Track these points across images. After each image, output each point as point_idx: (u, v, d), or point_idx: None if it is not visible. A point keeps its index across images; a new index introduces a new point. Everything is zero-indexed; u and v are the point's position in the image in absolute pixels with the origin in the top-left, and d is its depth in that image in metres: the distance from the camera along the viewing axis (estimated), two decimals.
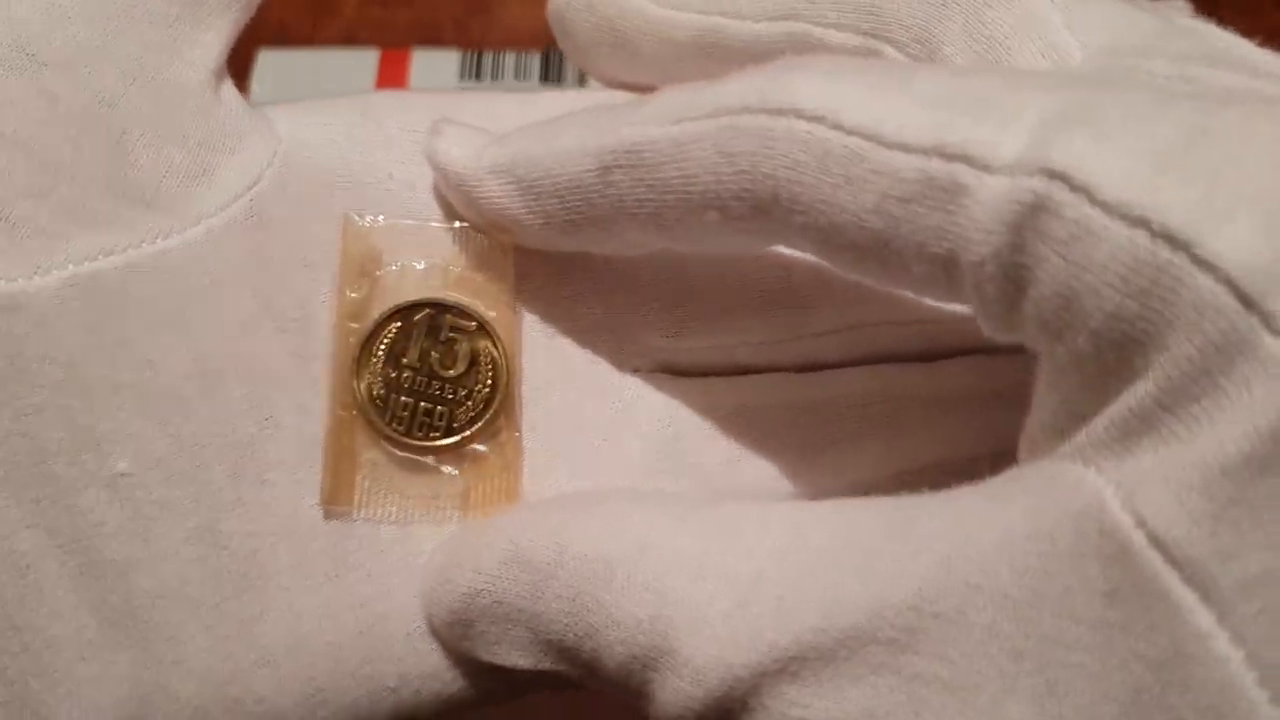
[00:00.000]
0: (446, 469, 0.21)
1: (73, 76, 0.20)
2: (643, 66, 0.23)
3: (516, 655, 0.20)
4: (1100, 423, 0.16)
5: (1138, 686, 0.15)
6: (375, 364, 0.21)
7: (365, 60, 0.47)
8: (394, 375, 0.21)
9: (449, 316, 0.21)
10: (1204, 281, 0.14)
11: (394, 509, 0.21)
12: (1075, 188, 0.15)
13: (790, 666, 0.17)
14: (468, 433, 0.21)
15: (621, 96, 0.23)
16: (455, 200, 0.22)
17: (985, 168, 0.16)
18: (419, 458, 0.21)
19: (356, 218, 0.21)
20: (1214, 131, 0.15)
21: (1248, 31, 0.20)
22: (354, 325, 0.21)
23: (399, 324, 0.21)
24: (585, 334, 0.22)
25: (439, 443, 0.21)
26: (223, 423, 0.20)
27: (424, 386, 0.21)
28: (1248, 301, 0.14)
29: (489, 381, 0.21)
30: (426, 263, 0.22)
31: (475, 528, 0.21)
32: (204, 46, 0.21)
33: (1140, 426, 0.15)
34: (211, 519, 0.20)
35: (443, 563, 0.21)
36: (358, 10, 0.51)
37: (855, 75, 0.17)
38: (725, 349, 0.23)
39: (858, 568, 0.17)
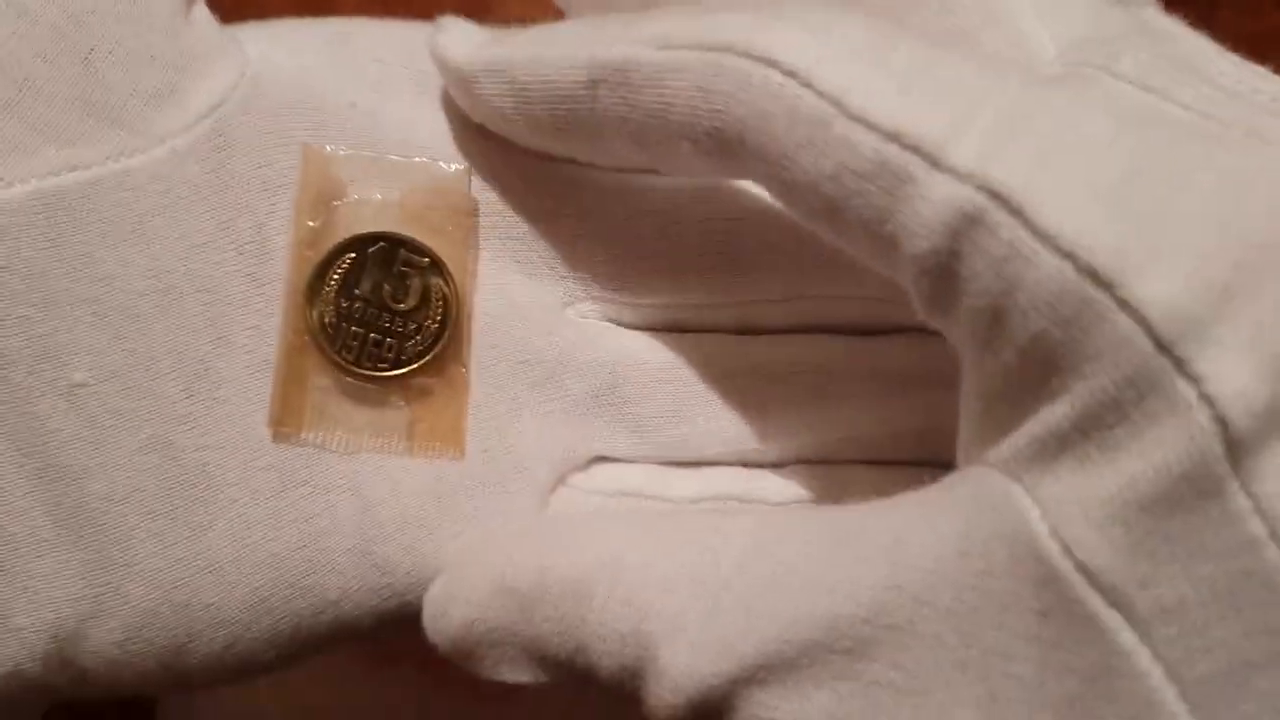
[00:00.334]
0: (394, 400, 0.22)
1: None
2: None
3: (520, 671, 0.21)
4: (1020, 438, 0.17)
5: (1071, 696, 0.16)
6: (328, 293, 0.21)
7: None
8: (346, 305, 0.22)
9: (403, 251, 0.22)
10: (1123, 320, 0.15)
11: (340, 435, 0.22)
12: (1012, 210, 0.16)
13: (758, 675, 0.18)
14: (415, 365, 0.22)
15: None
16: (454, 94, 0.22)
17: (935, 164, 0.16)
18: (367, 386, 0.22)
19: (318, 146, 0.22)
20: (1151, 173, 0.16)
21: (1248, 31, 0.20)
22: (309, 253, 0.21)
23: (354, 255, 0.22)
24: (534, 278, 0.23)
25: (387, 374, 0.22)
26: (178, 339, 0.21)
27: (375, 318, 0.22)
28: (1162, 345, 0.15)
29: (439, 317, 0.22)
30: (384, 196, 0.22)
31: (466, 562, 0.22)
32: None
33: (1058, 447, 0.16)
34: (164, 431, 0.21)
35: (439, 596, 0.22)
36: (357, 10, 0.50)
37: (840, 35, 0.18)
38: (667, 308, 0.23)
39: (813, 581, 0.18)
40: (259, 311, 0.21)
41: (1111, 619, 0.16)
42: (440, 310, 0.22)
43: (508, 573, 0.21)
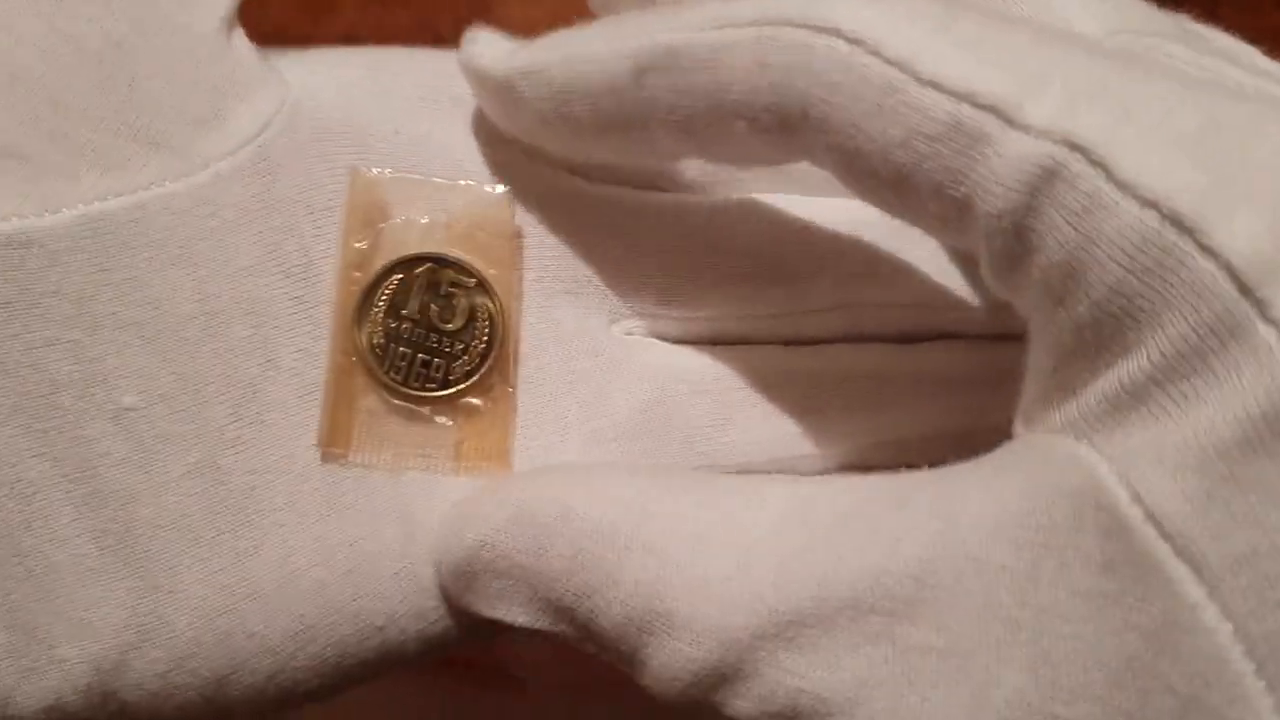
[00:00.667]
0: (441, 420, 0.22)
1: (88, 20, 0.21)
2: None
3: (516, 611, 0.20)
4: (1091, 396, 0.17)
5: (1130, 655, 0.16)
6: (376, 314, 0.22)
7: None
8: (394, 326, 0.22)
9: (449, 272, 0.22)
10: (1205, 266, 0.15)
11: (388, 455, 0.22)
12: (1094, 161, 0.16)
13: (787, 632, 0.17)
14: (463, 385, 0.22)
15: None
16: (488, 107, 0.22)
17: (1011, 122, 0.17)
18: (415, 407, 0.22)
19: (364, 169, 0.22)
20: (1228, 125, 0.16)
21: (1248, 31, 0.21)
22: (357, 275, 0.22)
23: (400, 276, 0.22)
24: (579, 296, 0.23)
25: (435, 394, 0.22)
26: (225, 362, 0.21)
27: (422, 338, 0.22)
28: (1244, 289, 0.15)
29: (485, 337, 0.22)
30: (430, 217, 0.22)
31: (487, 488, 0.21)
32: None
33: (1131, 402, 0.16)
34: (212, 454, 0.21)
35: (454, 517, 0.21)
36: (357, 10, 0.52)
37: (903, 4, 0.18)
38: (715, 320, 0.24)
39: (857, 540, 0.18)
40: (306, 334, 0.22)
41: (1179, 570, 0.16)
42: (487, 330, 0.22)
43: (528, 503, 0.20)
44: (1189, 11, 0.21)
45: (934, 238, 0.19)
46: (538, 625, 0.20)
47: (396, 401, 0.22)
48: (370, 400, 0.22)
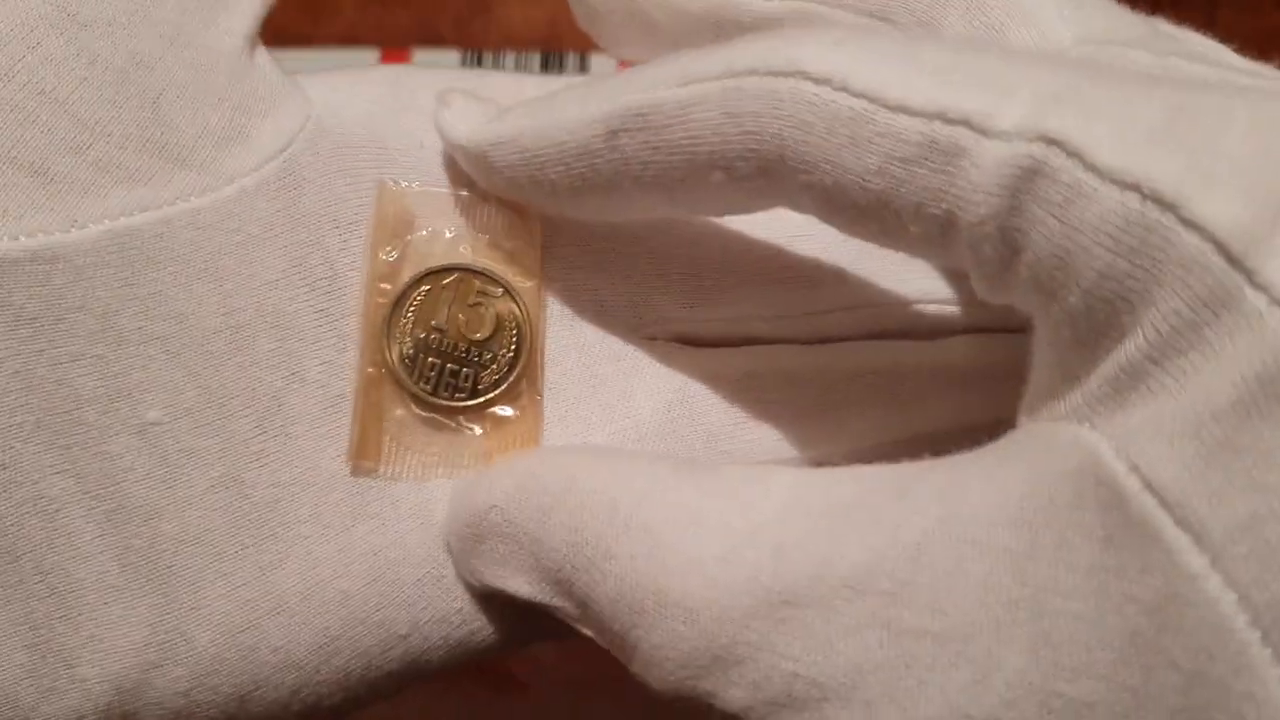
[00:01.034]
0: (471, 428, 0.22)
1: (112, 38, 0.20)
2: (657, 39, 0.24)
3: (519, 580, 0.20)
4: (1094, 381, 0.17)
5: (1132, 630, 0.16)
6: (405, 325, 0.21)
7: (365, 60, 0.47)
8: (423, 336, 0.22)
9: (477, 282, 0.22)
10: (1191, 240, 0.15)
11: (417, 465, 0.21)
12: (1070, 153, 0.16)
13: (781, 612, 0.17)
14: (492, 395, 0.22)
15: None
16: (465, 168, 0.22)
17: (985, 132, 0.17)
18: (444, 418, 0.22)
19: (391, 182, 0.22)
20: (1194, 110, 0.16)
21: (1248, 31, 0.21)
22: (385, 286, 0.21)
23: (428, 287, 0.22)
24: (605, 301, 0.23)
25: (464, 403, 0.22)
26: (250, 375, 0.21)
27: (451, 349, 0.22)
28: (1231, 258, 0.15)
29: (513, 346, 0.22)
30: (456, 229, 0.22)
31: (499, 459, 0.22)
32: (238, 14, 0.22)
33: (1131, 382, 0.16)
34: (236, 468, 0.20)
35: (466, 483, 0.21)
36: (357, 10, 0.51)
37: (861, 42, 0.18)
38: (738, 321, 0.23)
39: (858, 527, 0.18)
40: (331, 347, 0.21)
41: (1179, 540, 0.15)
42: (514, 339, 0.22)
43: (537, 472, 0.20)
44: (1189, 12, 0.21)
45: (919, 258, 0.19)
46: (539, 598, 0.20)
47: (425, 412, 0.22)
48: (399, 411, 0.21)
